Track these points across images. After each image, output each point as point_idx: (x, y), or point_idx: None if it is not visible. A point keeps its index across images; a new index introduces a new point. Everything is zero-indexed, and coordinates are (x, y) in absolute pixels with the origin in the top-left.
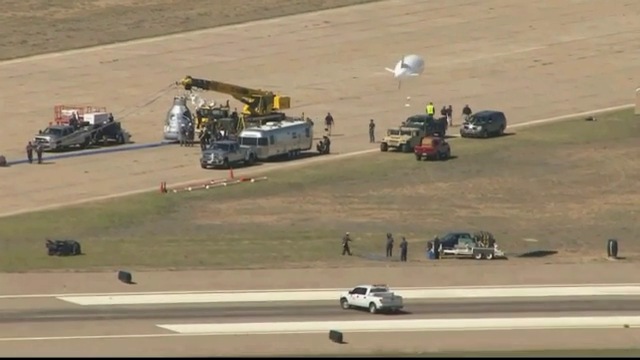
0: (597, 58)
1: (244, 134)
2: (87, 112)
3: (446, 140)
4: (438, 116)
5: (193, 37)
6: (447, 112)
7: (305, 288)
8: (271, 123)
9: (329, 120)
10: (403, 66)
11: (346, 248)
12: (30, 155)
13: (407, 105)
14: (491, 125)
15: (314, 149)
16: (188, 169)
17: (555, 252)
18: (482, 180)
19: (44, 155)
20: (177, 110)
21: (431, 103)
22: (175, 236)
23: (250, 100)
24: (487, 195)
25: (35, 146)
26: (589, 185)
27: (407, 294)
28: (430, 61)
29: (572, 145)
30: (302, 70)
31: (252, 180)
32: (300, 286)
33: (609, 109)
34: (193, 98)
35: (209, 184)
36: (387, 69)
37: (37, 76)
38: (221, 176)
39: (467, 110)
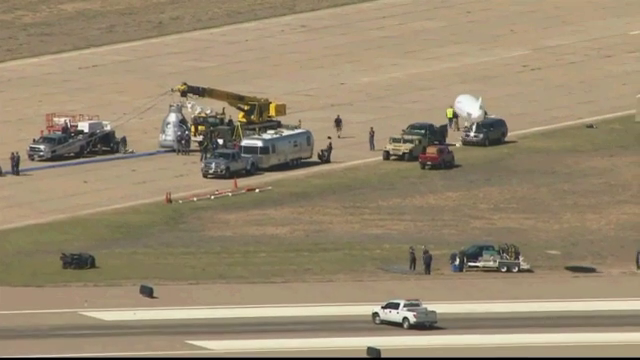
0: (587, 63)
1: (245, 143)
2: (80, 120)
3: (450, 148)
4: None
5: (169, 42)
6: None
7: (333, 302)
8: (272, 131)
9: (338, 122)
10: (480, 108)
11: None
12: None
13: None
14: (492, 133)
15: (315, 158)
16: (189, 178)
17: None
18: (491, 189)
19: (38, 165)
20: (173, 118)
21: (451, 107)
22: (188, 248)
23: (246, 107)
24: (500, 205)
25: (13, 157)
26: (603, 195)
27: (438, 308)
28: (417, 66)
29: (577, 153)
30: (287, 76)
31: (257, 190)
32: (327, 300)
33: (608, 116)
34: (189, 105)
35: (214, 194)
36: (467, 112)
37: (16, 82)
38: (224, 186)
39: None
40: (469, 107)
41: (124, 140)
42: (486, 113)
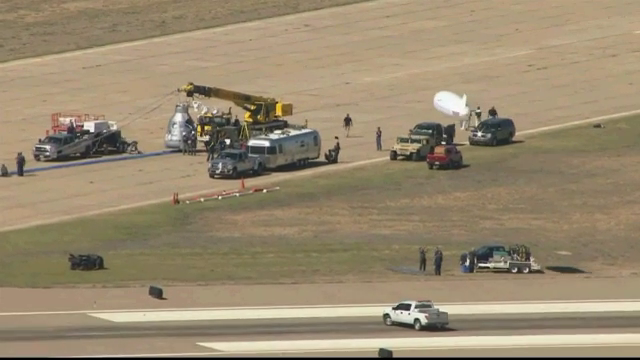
0: (591, 62)
1: (252, 143)
2: (86, 120)
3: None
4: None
5: (172, 41)
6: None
7: (343, 303)
8: (279, 131)
9: (348, 121)
10: (467, 105)
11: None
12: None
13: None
14: (500, 132)
15: (322, 158)
16: (196, 179)
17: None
18: (499, 190)
19: (44, 165)
20: (179, 118)
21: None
22: (196, 249)
23: (252, 107)
24: (508, 205)
25: (18, 157)
26: (612, 195)
27: (449, 309)
28: (420, 66)
29: (584, 153)
30: (290, 75)
31: (264, 190)
32: (337, 301)
33: (614, 115)
34: (195, 105)
35: (221, 195)
36: (453, 110)
37: (19, 82)
38: (231, 186)
39: (493, 112)
40: (454, 105)
41: (135, 144)
42: (495, 113)
